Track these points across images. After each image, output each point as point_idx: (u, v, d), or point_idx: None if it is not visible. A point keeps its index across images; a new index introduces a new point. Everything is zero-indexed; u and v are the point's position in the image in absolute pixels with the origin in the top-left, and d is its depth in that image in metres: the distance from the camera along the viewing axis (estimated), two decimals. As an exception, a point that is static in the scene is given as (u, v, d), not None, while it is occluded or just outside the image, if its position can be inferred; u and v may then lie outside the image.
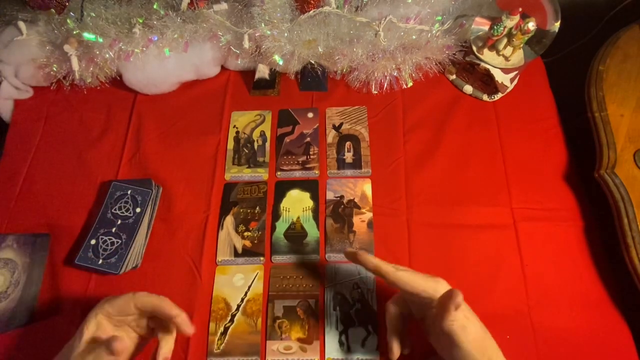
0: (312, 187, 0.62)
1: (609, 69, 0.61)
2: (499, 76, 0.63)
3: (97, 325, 0.40)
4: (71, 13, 0.62)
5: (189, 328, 0.42)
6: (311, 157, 0.64)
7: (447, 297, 0.38)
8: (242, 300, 0.55)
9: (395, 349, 0.45)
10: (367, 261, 0.44)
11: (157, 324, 0.44)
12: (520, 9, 0.57)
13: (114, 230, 0.56)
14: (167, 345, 0.42)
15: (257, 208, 0.60)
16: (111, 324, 0.42)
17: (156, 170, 0.63)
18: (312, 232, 0.58)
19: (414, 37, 0.63)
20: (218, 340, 0.52)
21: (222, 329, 0.53)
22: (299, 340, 0.52)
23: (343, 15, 0.61)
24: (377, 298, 0.54)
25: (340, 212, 0.60)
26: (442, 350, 0.42)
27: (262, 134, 0.66)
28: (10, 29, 0.65)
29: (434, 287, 0.41)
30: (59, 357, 0.40)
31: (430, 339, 0.44)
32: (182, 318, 0.41)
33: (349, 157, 0.63)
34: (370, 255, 0.45)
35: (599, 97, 0.59)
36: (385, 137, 0.65)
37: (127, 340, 0.42)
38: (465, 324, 0.38)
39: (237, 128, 0.67)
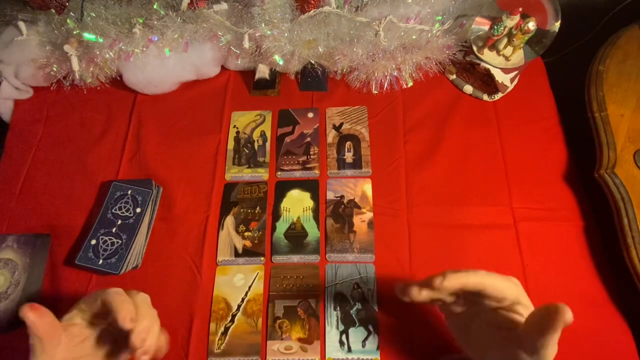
0: (312, 187, 0.62)
1: (609, 69, 0.61)
2: (499, 76, 0.63)
3: (70, 319, 0.39)
4: (71, 13, 0.62)
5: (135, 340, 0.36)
6: (311, 157, 0.64)
7: (555, 312, 0.33)
8: (243, 300, 0.55)
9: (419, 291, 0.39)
10: (453, 284, 0.37)
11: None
12: (521, 9, 0.57)
13: (114, 230, 0.56)
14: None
15: (258, 208, 0.61)
16: (85, 322, 0.39)
17: (156, 170, 0.63)
18: (313, 232, 0.58)
19: (414, 37, 0.63)
20: (218, 340, 0.52)
21: (222, 329, 0.53)
22: (300, 340, 0.52)
23: (343, 15, 0.61)
24: (378, 298, 0.54)
25: (341, 212, 0.60)
26: (487, 352, 0.39)
27: (263, 134, 0.66)
28: (10, 29, 0.65)
29: (517, 289, 0.37)
30: None
31: (472, 335, 0.41)
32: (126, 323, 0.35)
33: (349, 157, 0.63)
34: (451, 275, 0.37)
35: (599, 97, 0.59)
36: (386, 137, 0.65)
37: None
38: (555, 343, 0.35)
39: (237, 128, 0.67)
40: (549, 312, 0.33)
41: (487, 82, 0.65)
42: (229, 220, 0.60)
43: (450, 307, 0.42)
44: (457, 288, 0.37)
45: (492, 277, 0.37)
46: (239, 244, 0.58)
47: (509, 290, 0.37)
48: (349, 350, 0.51)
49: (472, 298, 0.39)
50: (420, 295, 0.39)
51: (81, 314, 0.39)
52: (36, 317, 0.35)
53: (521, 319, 0.37)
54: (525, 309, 0.37)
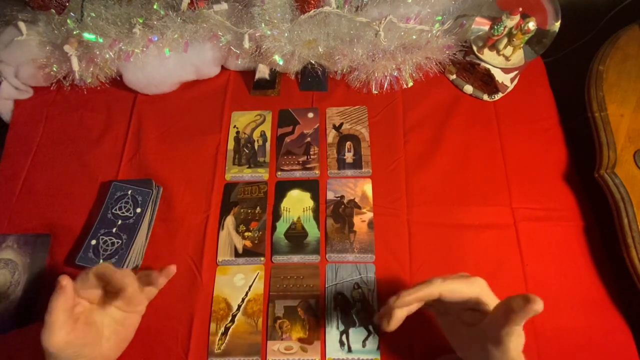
0: (312, 187, 0.62)
1: (609, 69, 0.61)
2: (499, 76, 0.63)
3: (65, 299, 0.39)
4: (71, 13, 0.62)
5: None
6: (311, 157, 0.64)
7: (525, 301, 0.34)
8: (243, 300, 0.55)
9: (397, 320, 0.40)
10: (407, 301, 0.39)
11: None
12: (521, 9, 0.57)
13: (114, 230, 0.56)
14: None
15: (258, 208, 0.61)
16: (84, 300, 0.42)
17: (156, 170, 0.63)
18: (313, 232, 0.58)
19: (414, 37, 0.63)
20: (219, 340, 0.52)
21: (222, 329, 0.53)
22: (300, 340, 0.52)
23: (343, 15, 0.61)
24: (378, 298, 0.54)
25: (341, 212, 0.60)
26: (470, 348, 0.41)
27: (263, 134, 0.66)
28: (10, 29, 0.65)
29: (479, 289, 0.39)
30: None
31: (454, 334, 0.43)
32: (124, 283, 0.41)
33: (349, 157, 0.63)
34: (404, 293, 0.39)
35: (599, 97, 0.59)
36: (386, 137, 0.65)
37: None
38: (520, 332, 0.37)
39: (237, 128, 0.67)
40: (517, 301, 0.35)
41: (487, 82, 0.65)
42: (229, 220, 0.60)
43: (433, 309, 0.44)
44: (413, 303, 0.40)
45: (448, 282, 0.39)
46: (239, 244, 0.58)
47: (467, 291, 0.39)
48: (349, 350, 0.51)
49: (442, 304, 0.41)
50: (389, 326, 0.40)
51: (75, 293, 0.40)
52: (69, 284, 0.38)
53: (481, 317, 0.39)
54: (488, 305, 0.39)
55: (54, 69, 0.65)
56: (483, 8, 0.64)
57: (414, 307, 0.41)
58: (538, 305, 0.34)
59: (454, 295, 0.39)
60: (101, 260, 0.54)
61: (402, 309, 0.40)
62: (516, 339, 0.36)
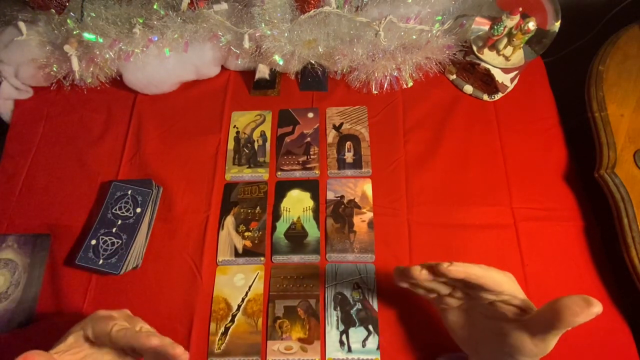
0: (312, 187, 0.62)
1: (609, 69, 0.61)
2: (499, 76, 0.63)
3: (76, 339, 0.39)
4: (71, 13, 0.62)
5: (178, 351, 0.37)
6: (311, 157, 0.64)
7: (585, 303, 0.33)
8: (243, 300, 0.55)
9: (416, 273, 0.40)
10: (457, 272, 0.38)
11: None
12: (521, 9, 0.57)
13: (114, 230, 0.56)
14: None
15: (258, 208, 0.61)
16: (86, 345, 0.40)
17: (156, 170, 0.63)
18: (313, 232, 0.58)
19: (414, 37, 0.63)
20: (219, 340, 0.52)
21: (222, 329, 0.53)
22: (300, 340, 0.52)
23: (343, 15, 0.61)
24: (378, 298, 0.54)
25: (341, 212, 0.60)
26: (483, 344, 0.40)
27: (263, 134, 0.66)
28: (10, 29, 0.65)
29: (513, 282, 0.39)
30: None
31: (468, 329, 0.42)
32: (164, 345, 0.37)
33: (349, 157, 0.63)
34: (457, 263, 0.38)
35: (599, 97, 0.59)
36: (386, 137, 0.65)
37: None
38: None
39: (237, 128, 0.67)
40: (577, 302, 0.33)
41: (487, 82, 0.65)
42: (229, 220, 0.60)
43: (445, 300, 0.43)
44: (461, 277, 0.38)
45: (492, 271, 0.38)
46: (239, 244, 0.58)
47: (506, 285, 0.38)
48: (349, 350, 0.51)
49: (469, 291, 0.40)
50: (421, 274, 0.40)
51: (86, 337, 0.39)
52: None
53: (516, 311, 0.38)
54: (521, 302, 0.38)
55: (54, 69, 0.65)
56: (483, 8, 0.64)
57: (429, 286, 0.41)
58: (598, 308, 0.32)
59: (494, 285, 0.38)
60: (101, 260, 0.54)
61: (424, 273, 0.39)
62: (556, 340, 0.36)
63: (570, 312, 0.33)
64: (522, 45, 0.61)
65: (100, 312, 0.41)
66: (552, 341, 0.36)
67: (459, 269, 0.38)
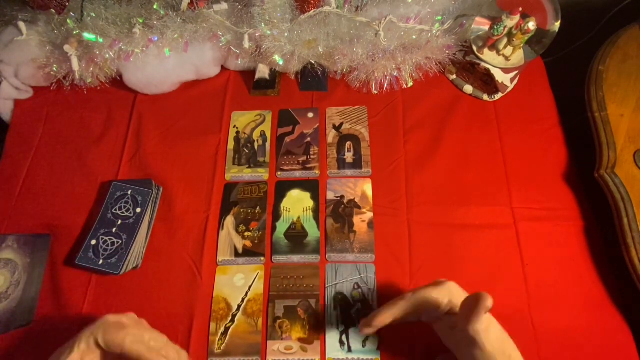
0: (312, 187, 0.62)
1: (609, 69, 0.61)
2: (499, 76, 0.63)
3: (87, 345, 0.39)
4: (71, 13, 0.62)
5: None
6: (311, 157, 0.64)
7: (475, 300, 0.38)
8: (243, 300, 0.55)
9: (377, 324, 0.44)
10: (383, 320, 0.44)
11: None
12: (521, 9, 0.57)
13: (114, 230, 0.56)
14: None
15: (258, 208, 0.61)
16: (99, 351, 0.40)
17: (156, 170, 0.63)
18: (313, 232, 0.58)
19: (414, 37, 0.63)
20: (219, 340, 0.52)
21: (222, 329, 0.53)
22: (300, 340, 0.52)
23: (343, 15, 0.61)
24: (378, 298, 0.54)
25: (341, 212, 0.60)
26: (459, 350, 0.42)
27: (263, 134, 0.66)
28: (10, 29, 0.65)
29: (447, 292, 0.42)
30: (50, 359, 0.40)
31: (446, 339, 0.44)
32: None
33: (349, 157, 0.63)
34: (379, 313, 0.44)
35: (599, 97, 0.59)
36: (386, 137, 0.65)
37: None
38: (489, 326, 0.39)
39: (237, 128, 0.67)
40: (470, 302, 0.38)
41: (487, 82, 0.65)
42: (229, 220, 0.60)
43: (426, 320, 0.45)
44: (387, 322, 0.43)
45: (419, 293, 0.42)
46: (239, 244, 0.58)
47: (438, 297, 0.41)
48: (349, 350, 0.51)
49: (427, 313, 0.44)
50: (369, 330, 0.45)
51: (96, 345, 0.40)
52: None
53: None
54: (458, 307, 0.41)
55: (54, 69, 0.65)
56: (483, 8, 0.64)
57: (398, 318, 0.44)
58: (488, 302, 0.37)
59: (428, 304, 0.42)
60: (101, 261, 0.54)
61: (384, 322, 0.44)
62: (485, 334, 0.38)
63: (468, 307, 0.38)
64: (522, 45, 0.61)
65: (110, 318, 0.41)
66: (482, 341, 0.38)
67: (385, 318, 0.43)
